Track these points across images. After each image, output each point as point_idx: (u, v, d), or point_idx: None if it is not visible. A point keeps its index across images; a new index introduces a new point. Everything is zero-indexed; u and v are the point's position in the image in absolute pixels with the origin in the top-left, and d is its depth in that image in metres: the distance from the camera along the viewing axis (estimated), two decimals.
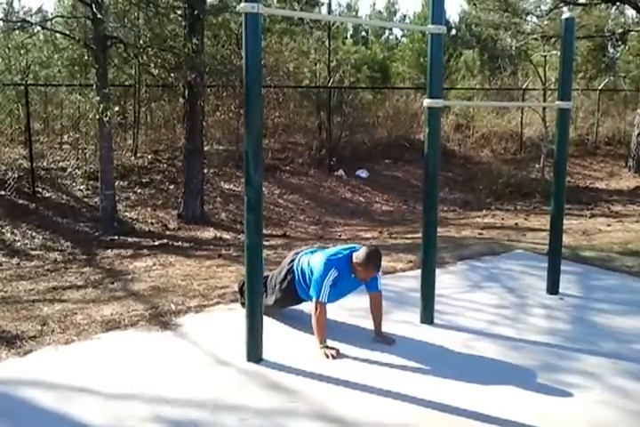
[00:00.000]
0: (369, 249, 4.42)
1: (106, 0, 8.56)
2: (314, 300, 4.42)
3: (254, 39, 3.93)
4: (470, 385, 3.93)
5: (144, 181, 10.85)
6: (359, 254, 4.38)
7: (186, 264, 7.19)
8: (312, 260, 4.55)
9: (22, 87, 9.94)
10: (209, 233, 9.24)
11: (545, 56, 14.27)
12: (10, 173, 9.61)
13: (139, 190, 10.51)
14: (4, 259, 7.50)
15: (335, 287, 4.38)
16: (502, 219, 10.51)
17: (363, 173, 13.15)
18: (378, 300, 4.64)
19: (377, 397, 3.77)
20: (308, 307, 4.72)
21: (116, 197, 9.20)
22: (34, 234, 8.40)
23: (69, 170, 10.43)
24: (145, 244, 8.34)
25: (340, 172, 12.95)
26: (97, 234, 8.64)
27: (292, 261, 4.76)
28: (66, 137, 11.57)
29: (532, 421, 3.49)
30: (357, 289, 4.63)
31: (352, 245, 4.61)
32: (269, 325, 4.69)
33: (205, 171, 10.59)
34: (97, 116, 8.20)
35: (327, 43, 14.34)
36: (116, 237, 8.49)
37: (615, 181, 15.02)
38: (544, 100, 13.67)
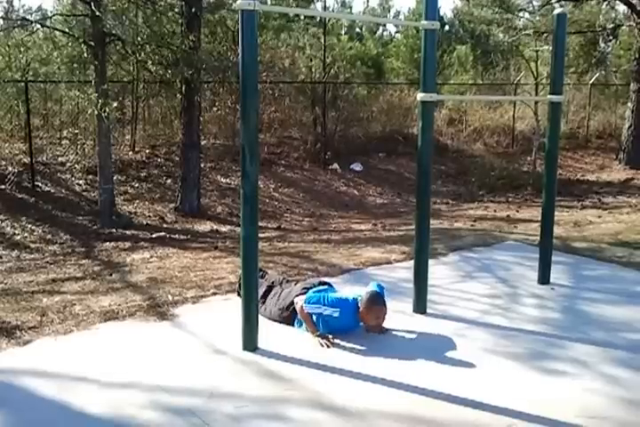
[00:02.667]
0: (369, 293, 4.55)
1: None
2: (300, 302, 4.55)
3: (250, 36, 3.98)
4: (462, 373, 4.01)
5: (142, 175, 10.90)
6: (362, 299, 4.52)
7: (183, 256, 7.26)
8: (326, 297, 4.58)
9: (22, 84, 9.93)
10: (205, 226, 9.32)
11: (537, 51, 14.29)
12: (10, 168, 9.65)
13: (136, 184, 10.57)
14: (3, 252, 7.55)
15: (330, 322, 4.49)
16: (494, 211, 10.58)
17: (357, 167, 13.22)
18: None
19: (371, 384, 3.84)
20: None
21: (115, 191, 9.23)
22: (33, 227, 8.45)
23: (68, 164, 10.45)
24: (142, 236, 8.40)
25: (335, 165, 13.03)
26: (95, 227, 8.69)
27: (300, 295, 4.76)
28: (65, 132, 11.57)
29: (523, 407, 3.56)
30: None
31: (357, 294, 4.66)
32: None
33: (202, 165, 10.65)
34: (96, 112, 8.25)
35: (322, 39, 14.40)
36: (114, 230, 8.54)
37: (606, 174, 15.11)
38: (536, 95, 13.72)
